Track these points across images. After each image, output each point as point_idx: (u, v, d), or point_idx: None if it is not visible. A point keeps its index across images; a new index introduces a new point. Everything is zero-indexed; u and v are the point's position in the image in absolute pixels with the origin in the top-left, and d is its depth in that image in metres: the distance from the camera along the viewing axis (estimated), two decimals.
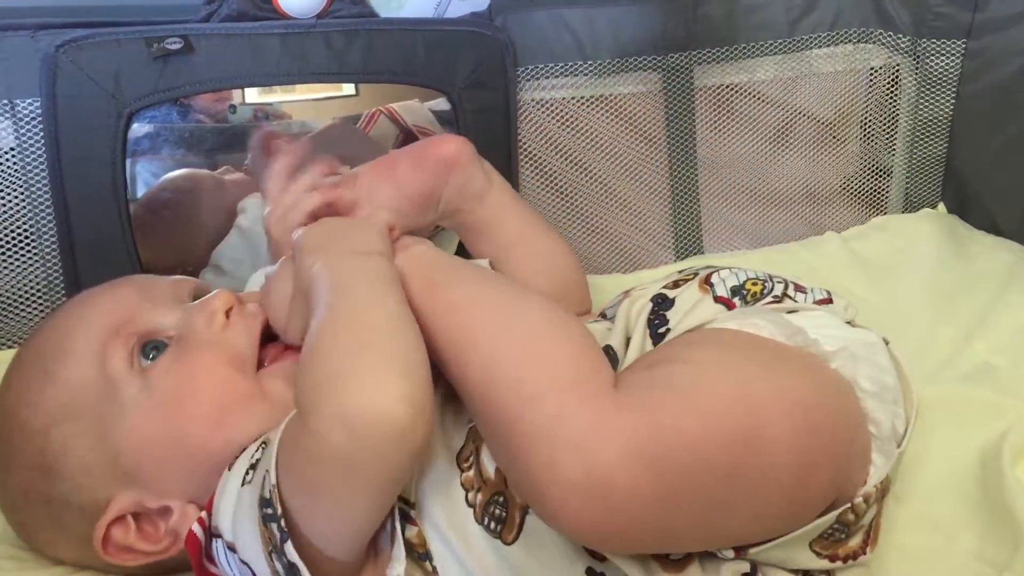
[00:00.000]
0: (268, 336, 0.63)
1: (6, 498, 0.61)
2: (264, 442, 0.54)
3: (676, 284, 0.64)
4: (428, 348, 0.51)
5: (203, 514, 0.54)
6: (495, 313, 0.53)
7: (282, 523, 0.48)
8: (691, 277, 0.64)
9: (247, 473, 0.52)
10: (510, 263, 0.75)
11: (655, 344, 0.60)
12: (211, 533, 0.54)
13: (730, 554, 0.52)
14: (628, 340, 0.61)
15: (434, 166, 0.71)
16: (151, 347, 0.60)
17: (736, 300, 0.61)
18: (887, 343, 0.61)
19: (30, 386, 0.59)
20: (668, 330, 0.60)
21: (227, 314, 0.61)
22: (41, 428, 0.57)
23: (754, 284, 0.62)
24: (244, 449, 0.56)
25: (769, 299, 0.61)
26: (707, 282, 0.63)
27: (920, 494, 0.67)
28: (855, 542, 0.56)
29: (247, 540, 0.51)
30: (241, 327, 0.61)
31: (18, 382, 0.60)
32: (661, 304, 0.62)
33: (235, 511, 0.52)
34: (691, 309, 0.60)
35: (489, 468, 0.54)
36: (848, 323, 0.62)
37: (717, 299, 0.61)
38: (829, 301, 0.62)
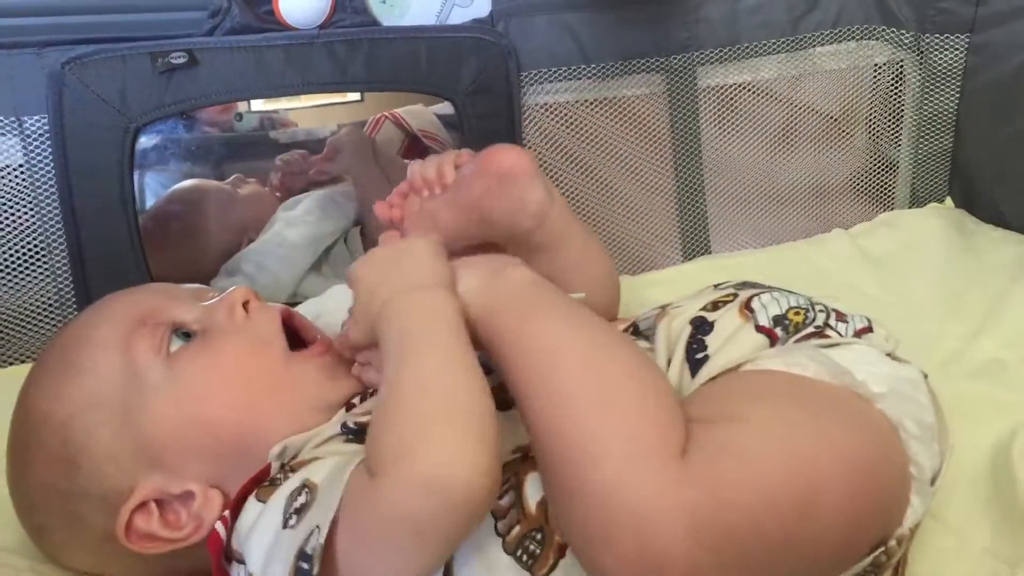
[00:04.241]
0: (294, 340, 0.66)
1: (25, 499, 0.61)
2: (306, 484, 0.54)
3: (715, 305, 0.63)
4: (501, 373, 0.51)
5: (227, 514, 0.55)
6: (582, 364, 0.51)
7: None
8: (730, 299, 0.63)
9: (289, 516, 0.52)
10: (563, 287, 0.70)
11: (692, 371, 0.59)
12: (232, 556, 0.54)
13: None
14: (669, 362, 0.60)
15: (485, 174, 0.67)
16: (182, 334, 0.62)
17: (778, 331, 0.59)
18: (926, 377, 0.60)
19: (54, 378, 0.60)
20: (706, 356, 0.59)
21: (245, 307, 0.63)
22: (65, 418, 0.58)
23: (796, 314, 0.61)
24: (277, 447, 0.57)
25: (810, 329, 0.60)
26: (748, 307, 0.61)
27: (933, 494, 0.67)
28: None
29: None
30: (262, 316, 0.64)
31: (42, 376, 0.61)
32: (700, 328, 0.61)
33: (270, 551, 0.51)
34: (731, 336, 0.59)
35: (531, 502, 0.54)
36: (889, 355, 0.61)
37: (759, 328, 0.60)
38: (869, 329, 0.61)
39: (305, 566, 0.48)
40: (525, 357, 0.52)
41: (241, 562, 0.53)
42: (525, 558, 0.52)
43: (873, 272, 1.00)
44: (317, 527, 0.49)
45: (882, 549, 0.53)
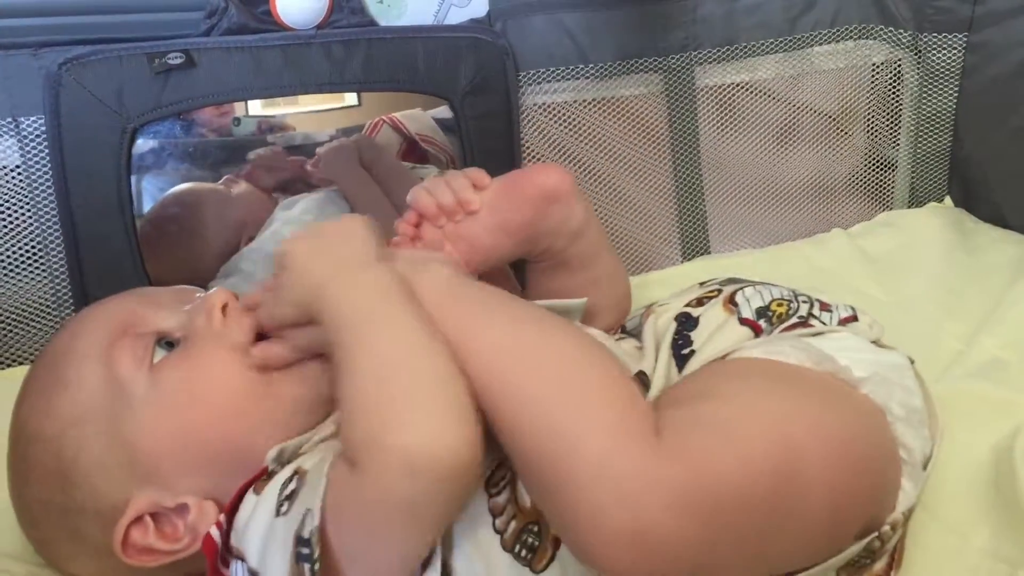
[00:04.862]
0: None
1: (25, 514, 0.61)
2: (297, 472, 0.54)
3: (700, 302, 0.63)
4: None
5: (221, 517, 0.54)
6: (532, 357, 0.51)
7: (316, 566, 0.48)
8: (715, 294, 0.64)
9: (282, 504, 0.52)
10: (589, 299, 0.70)
11: (679, 366, 0.59)
12: (231, 553, 0.54)
13: None
14: (657, 358, 0.61)
15: (533, 197, 0.67)
16: (165, 343, 0.60)
17: (762, 322, 0.60)
18: (912, 362, 0.60)
19: (43, 393, 0.59)
20: (692, 351, 0.59)
21: (224, 310, 0.62)
22: (56, 433, 0.57)
23: (779, 305, 0.61)
24: (270, 451, 0.56)
25: (794, 320, 0.60)
26: (731, 302, 0.62)
27: (933, 493, 0.66)
28: (879, 566, 0.55)
29: (274, 572, 0.51)
30: (239, 321, 0.61)
31: (32, 392, 0.60)
32: (685, 323, 0.61)
33: (266, 541, 0.51)
34: (716, 331, 0.60)
35: (525, 497, 0.53)
36: (874, 342, 0.61)
37: (743, 321, 0.60)
38: (854, 318, 0.61)
39: (305, 551, 0.48)
40: (469, 358, 0.51)
41: (242, 558, 0.53)
42: (524, 553, 0.52)
43: (872, 272, 1.00)
44: (309, 510, 0.49)
45: (875, 534, 0.53)
